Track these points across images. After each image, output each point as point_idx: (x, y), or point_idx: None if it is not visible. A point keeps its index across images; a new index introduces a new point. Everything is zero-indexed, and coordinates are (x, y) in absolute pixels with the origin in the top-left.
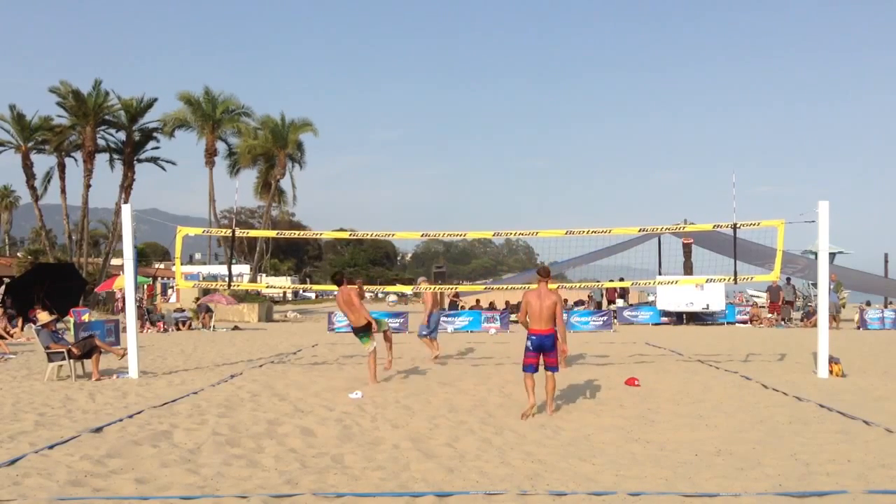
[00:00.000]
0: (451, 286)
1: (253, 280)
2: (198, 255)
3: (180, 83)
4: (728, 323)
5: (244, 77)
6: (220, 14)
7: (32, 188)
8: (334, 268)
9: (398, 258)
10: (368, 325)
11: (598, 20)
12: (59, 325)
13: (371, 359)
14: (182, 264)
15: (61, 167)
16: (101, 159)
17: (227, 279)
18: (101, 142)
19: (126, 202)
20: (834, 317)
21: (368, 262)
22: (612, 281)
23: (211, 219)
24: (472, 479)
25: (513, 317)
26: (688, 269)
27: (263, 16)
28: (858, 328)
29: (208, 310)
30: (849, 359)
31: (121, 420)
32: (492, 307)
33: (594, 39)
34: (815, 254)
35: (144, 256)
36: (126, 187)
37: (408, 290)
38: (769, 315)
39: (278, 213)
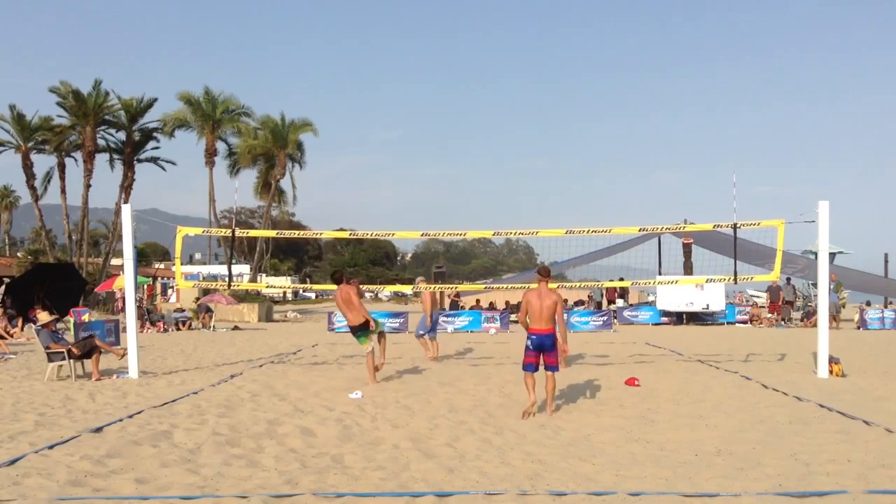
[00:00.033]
0: (450, 286)
1: (253, 280)
2: (198, 255)
3: (180, 83)
4: (728, 323)
5: (244, 77)
6: (220, 14)
7: (32, 188)
8: (334, 267)
9: (398, 258)
10: (366, 323)
11: (598, 20)
12: (59, 325)
13: (369, 358)
14: (182, 264)
15: (61, 167)
16: (101, 159)
17: (227, 279)
18: (101, 142)
19: (126, 202)
20: (834, 317)
21: (368, 262)
22: (611, 281)
23: (211, 219)
24: (472, 479)
25: (513, 317)
26: (688, 269)
27: (263, 16)
28: (858, 328)
29: (208, 310)
30: (849, 359)
31: (121, 420)
32: (492, 307)
33: (594, 39)
34: (815, 254)
35: (144, 256)
36: (126, 187)
37: (407, 289)
38: (769, 315)
39: (278, 213)
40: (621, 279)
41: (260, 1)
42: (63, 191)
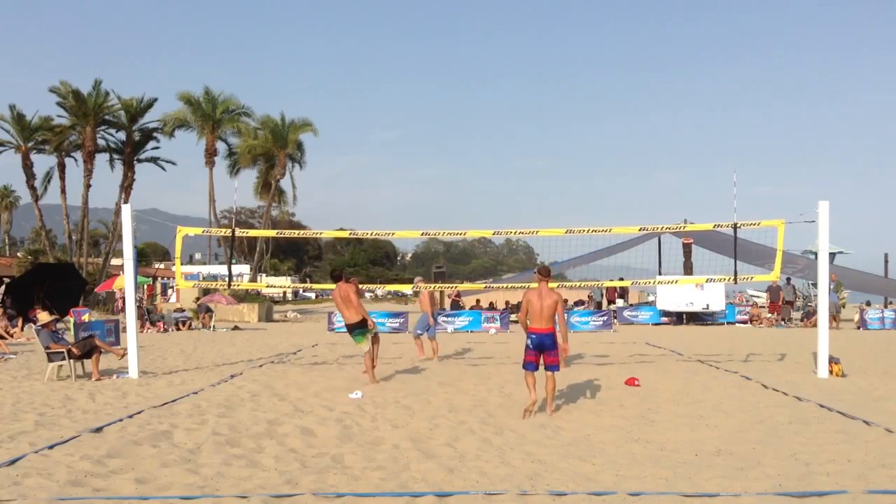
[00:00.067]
0: (450, 285)
1: (253, 280)
2: (198, 255)
3: (180, 83)
4: (728, 323)
5: (244, 77)
6: (220, 14)
7: (32, 188)
8: (334, 266)
9: (398, 258)
10: (363, 321)
11: (598, 20)
12: (59, 325)
13: (367, 358)
14: (182, 264)
15: (61, 167)
16: (101, 159)
17: (227, 279)
18: (101, 142)
19: (126, 202)
20: (834, 317)
21: (368, 262)
22: (611, 281)
23: (211, 219)
24: (472, 479)
25: (513, 317)
26: (688, 269)
27: (263, 16)
28: (858, 328)
29: (208, 310)
30: (849, 359)
31: (121, 420)
32: (492, 307)
33: (594, 39)
34: (815, 254)
35: (144, 256)
36: (126, 187)
37: (407, 288)
38: (769, 315)
39: (278, 213)
40: (621, 279)
41: (260, 1)
42: (63, 191)
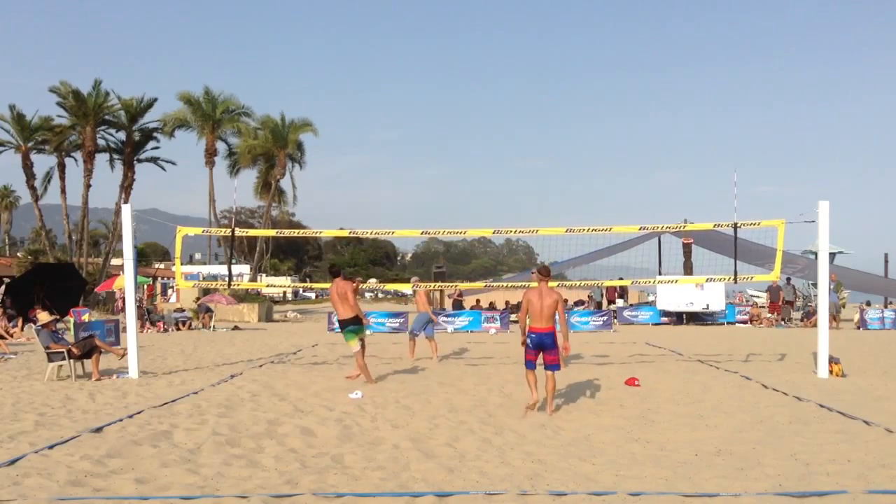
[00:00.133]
0: (451, 284)
1: (253, 280)
2: (198, 255)
3: (180, 83)
4: (728, 323)
5: (244, 77)
6: (220, 14)
7: (32, 188)
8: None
9: (398, 258)
10: (356, 318)
11: (598, 20)
12: (59, 325)
13: (359, 357)
14: (182, 264)
15: (61, 167)
16: (101, 159)
17: (227, 279)
18: (101, 142)
19: (126, 202)
20: (834, 317)
21: (368, 261)
22: (611, 280)
23: (211, 219)
24: (472, 479)
25: (513, 317)
26: (688, 269)
27: (263, 16)
28: (858, 328)
29: (208, 310)
30: (849, 359)
31: (121, 420)
32: (492, 307)
33: (594, 39)
34: (815, 254)
35: (144, 256)
36: (126, 187)
37: (407, 288)
38: (769, 315)
39: (278, 213)
40: (620, 279)
41: (260, 1)
42: (63, 191)
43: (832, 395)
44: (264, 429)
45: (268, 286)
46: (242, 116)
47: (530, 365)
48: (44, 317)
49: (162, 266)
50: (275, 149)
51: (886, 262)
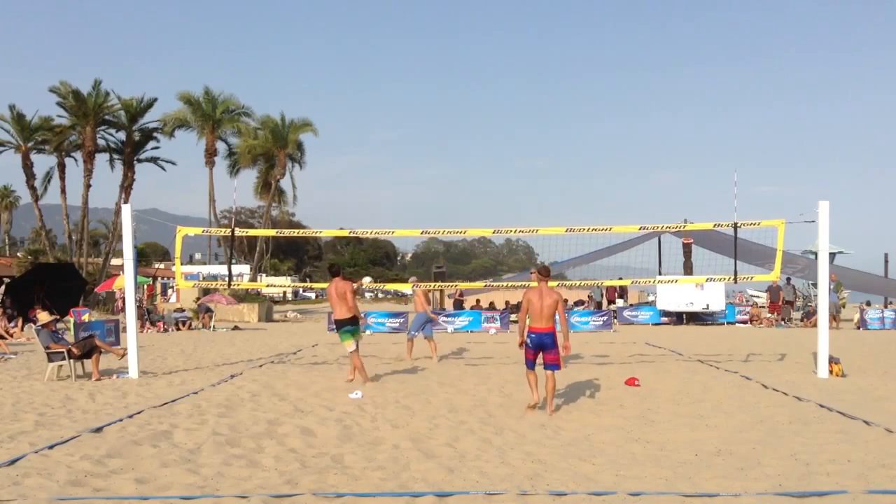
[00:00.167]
0: (451, 284)
1: (253, 280)
2: (198, 255)
3: (180, 83)
4: (728, 323)
5: (244, 77)
6: (220, 14)
7: (32, 188)
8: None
9: (398, 258)
10: (353, 319)
11: (598, 20)
12: (59, 325)
13: (354, 357)
14: (182, 264)
15: (61, 167)
16: (101, 159)
17: (227, 279)
18: (101, 142)
19: (126, 202)
20: (834, 317)
21: (368, 261)
22: (611, 280)
23: (211, 219)
24: (472, 479)
25: (513, 317)
26: (688, 269)
27: (263, 16)
28: (858, 328)
29: (208, 310)
30: (849, 359)
31: (121, 420)
32: (492, 307)
33: (594, 39)
34: (815, 254)
35: (144, 256)
36: (126, 187)
37: (407, 288)
38: (769, 315)
39: (278, 213)
40: (620, 279)
41: (260, 1)
42: (63, 191)
43: (832, 395)
44: (264, 429)
45: (268, 286)
46: (242, 116)
47: (530, 365)
48: (44, 317)
49: (162, 266)
50: (275, 149)
51: (886, 262)
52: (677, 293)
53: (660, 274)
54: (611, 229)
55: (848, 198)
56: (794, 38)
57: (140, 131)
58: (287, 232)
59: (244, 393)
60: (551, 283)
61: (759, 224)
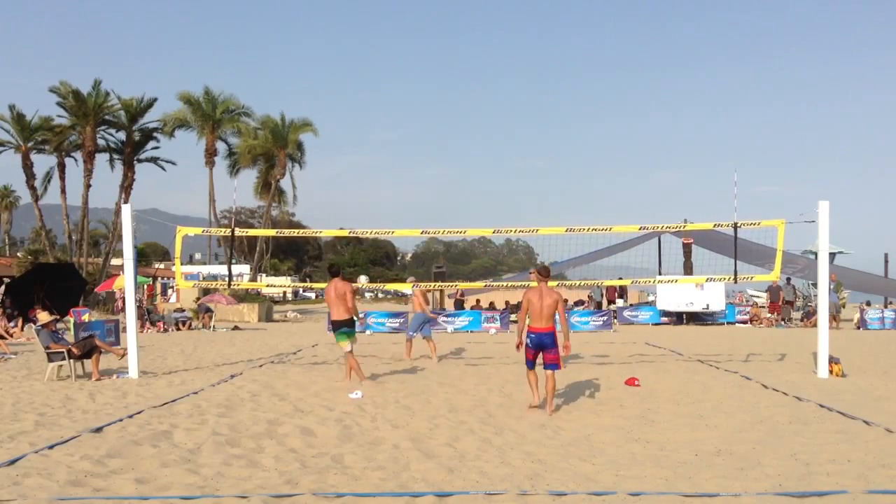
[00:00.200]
0: (451, 284)
1: (253, 280)
2: (198, 255)
3: (180, 83)
4: (728, 323)
5: (244, 77)
6: (220, 14)
7: (32, 188)
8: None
9: (398, 258)
10: (351, 321)
11: (598, 20)
12: (59, 325)
13: (350, 358)
14: (182, 264)
15: (61, 167)
16: (101, 159)
17: (227, 279)
18: (101, 142)
19: (126, 202)
20: (834, 317)
21: (368, 261)
22: (611, 280)
23: (211, 219)
24: (472, 479)
25: (513, 317)
26: (688, 269)
27: (263, 16)
28: (858, 328)
29: (208, 310)
30: (849, 359)
31: (121, 420)
32: (492, 307)
33: (594, 39)
34: (815, 254)
35: (144, 256)
36: (126, 187)
37: (407, 288)
38: (769, 315)
39: (278, 213)
40: (620, 279)
41: (260, 1)
42: (63, 191)
43: (832, 395)
44: (264, 429)
45: (268, 286)
46: (242, 116)
47: (530, 364)
48: (44, 317)
49: (162, 266)
50: (275, 149)
51: (886, 262)
52: (677, 293)
53: (660, 274)
54: (611, 229)
55: (848, 198)
56: (794, 38)
57: (140, 131)
58: (287, 232)
59: (244, 393)
60: (551, 283)
61: (759, 224)
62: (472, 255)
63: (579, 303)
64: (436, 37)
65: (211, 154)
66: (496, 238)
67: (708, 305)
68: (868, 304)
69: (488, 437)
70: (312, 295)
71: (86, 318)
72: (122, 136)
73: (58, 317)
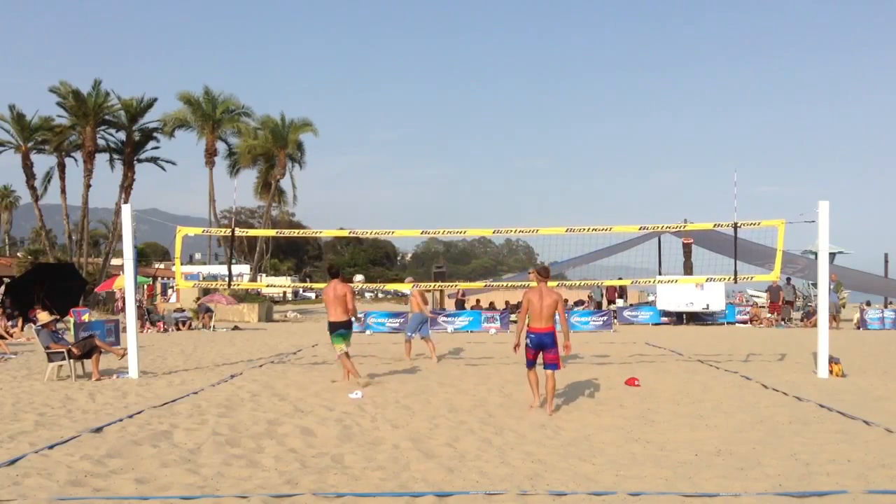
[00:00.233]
0: (451, 284)
1: (253, 280)
2: (198, 255)
3: (180, 83)
4: (728, 323)
5: (244, 77)
6: (220, 14)
7: (32, 188)
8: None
9: (398, 258)
10: (348, 322)
11: (598, 20)
12: (59, 325)
13: (344, 359)
14: (182, 264)
15: (61, 167)
16: (101, 159)
17: (227, 279)
18: (101, 142)
19: (126, 202)
20: (834, 317)
21: (368, 262)
22: (611, 280)
23: (211, 219)
24: (472, 479)
25: (513, 316)
26: (688, 269)
27: (263, 16)
28: (858, 328)
29: (208, 310)
30: (849, 359)
31: (121, 420)
32: (492, 307)
33: (594, 39)
34: (815, 254)
35: (144, 256)
36: (126, 187)
37: (406, 288)
38: (769, 315)
39: (278, 213)
40: (620, 279)
41: (260, 1)
42: (63, 191)
43: (832, 395)
44: (264, 429)
45: (268, 286)
46: (242, 116)
47: (530, 364)
48: (44, 317)
49: (162, 266)
50: (275, 149)
51: (886, 262)
52: (677, 293)
53: (660, 274)
54: (611, 229)
55: (848, 198)
56: (794, 38)
57: (140, 131)
58: (287, 232)
59: (244, 393)
60: (551, 284)
61: (759, 224)
62: (472, 255)
63: (579, 303)
64: (436, 37)
65: (211, 154)
66: (496, 238)
67: (708, 305)
68: (868, 304)
69: (488, 437)
70: (312, 295)
71: (86, 318)
72: (122, 136)
73: (58, 317)
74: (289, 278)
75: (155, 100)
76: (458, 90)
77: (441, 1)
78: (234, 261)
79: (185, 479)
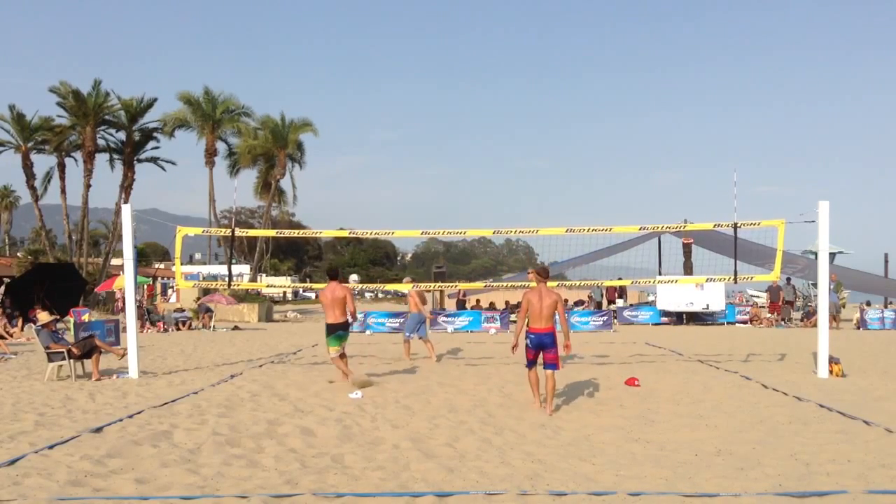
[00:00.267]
0: (451, 284)
1: (253, 280)
2: (198, 255)
3: (180, 83)
4: (728, 323)
5: (244, 77)
6: (220, 14)
7: (32, 188)
8: (331, 264)
9: (398, 258)
10: (346, 324)
11: (598, 20)
12: (59, 325)
13: (338, 361)
14: (182, 264)
15: (61, 167)
16: (101, 159)
17: (227, 279)
18: (101, 142)
19: (126, 202)
20: (834, 317)
21: (368, 262)
22: (611, 280)
23: (211, 219)
24: (472, 479)
25: (513, 316)
26: (688, 269)
27: (263, 16)
28: (858, 328)
29: (208, 310)
30: (849, 359)
31: (121, 420)
32: (492, 307)
33: (594, 39)
34: (815, 254)
35: (144, 256)
36: (126, 187)
37: (406, 288)
38: (769, 315)
39: (278, 213)
40: (620, 279)
41: (260, 1)
42: (63, 191)
43: (832, 395)
44: (264, 429)
45: (268, 286)
46: (242, 116)
47: (530, 364)
48: (44, 317)
49: (162, 266)
50: (275, 149)
51: (886, 262)
52: (677, 293)
53: (660, 274)
54: (611, 229)
55: (848, 198)
56: (794, 38)
57: (140, 131)
58: (287, 232)
59: (244, 393)
60: (551, 284)
61: (759, 224)
62: (472, 255)
63: (579, 303)
64: (435, 37)
65: (211, 154)
66: (496, 238)
67: (708, 305)
68: (868, 304)
69: (488, 437)
70: (312, 295)
71: (86, 318)
72: (122, 136)
73: (58, 317)
74: (289, 278)
75: (155, 100)
76: (457, 90)
77: (441, 1)
78: (234, 261)
79: (185, 479)
